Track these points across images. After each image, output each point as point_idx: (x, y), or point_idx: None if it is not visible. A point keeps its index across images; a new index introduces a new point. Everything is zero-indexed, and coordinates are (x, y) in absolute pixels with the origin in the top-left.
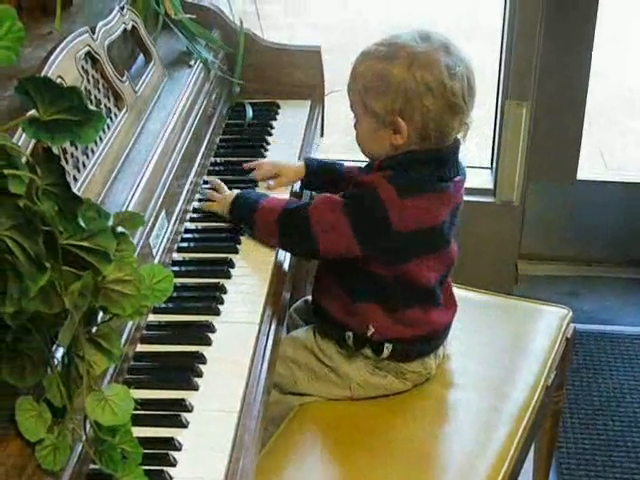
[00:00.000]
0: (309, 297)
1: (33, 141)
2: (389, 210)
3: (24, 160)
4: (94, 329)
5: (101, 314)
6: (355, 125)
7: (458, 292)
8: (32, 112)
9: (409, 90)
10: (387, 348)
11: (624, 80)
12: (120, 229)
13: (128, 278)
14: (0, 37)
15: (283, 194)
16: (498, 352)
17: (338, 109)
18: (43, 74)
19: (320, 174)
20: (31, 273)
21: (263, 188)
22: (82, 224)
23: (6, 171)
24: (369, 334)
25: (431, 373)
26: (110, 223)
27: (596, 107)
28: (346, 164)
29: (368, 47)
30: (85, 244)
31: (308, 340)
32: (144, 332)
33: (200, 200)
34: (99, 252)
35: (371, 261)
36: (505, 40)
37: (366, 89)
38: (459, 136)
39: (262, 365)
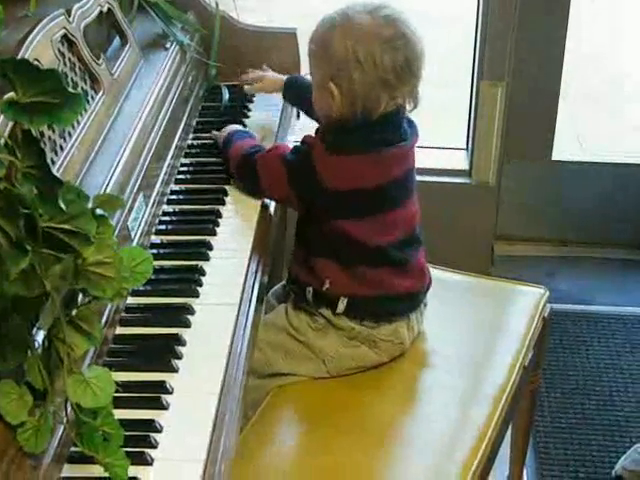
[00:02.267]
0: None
1: (10, 123)
2: (317, 165)
3: (2, 142)
4: (74, 312)
5: (80, 297)
6: None
7: (436, 273)
8: (10, 94)
9: (341, 60)
10: (342, 302)
11: (604, 62)
12: (99, 211)
13: (108, 260)
14: None
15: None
16: (476, 332)
17: None
18: (19, 57)
19: (296, 92)
20: (12, 256)
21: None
22: (62, 206)
23: None
24: (324, 288)
25: (405, 344)
26: (90, 205)
27: (573, 88)
28: None
29: (329, 12)
30: (65, 227)
31: (279, 319)
32: (123, 315)
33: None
34: (79, 235)
35: (316, 216)
36: (480, 20)
37: (312, 52)
38: (407, 105)
39: (242, 345)
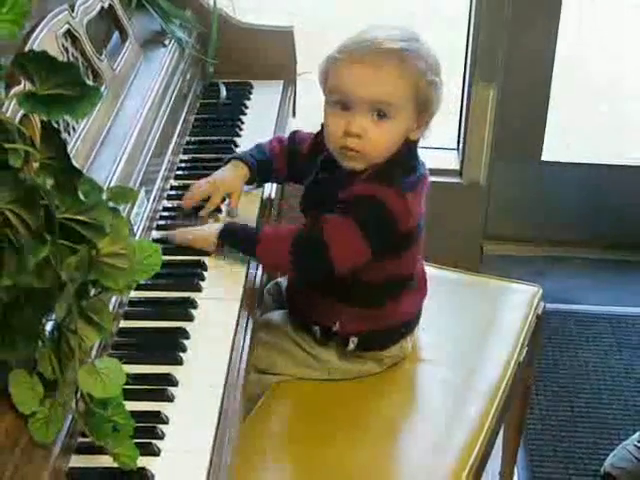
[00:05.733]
0: (279, 279)
1: (20, 114)
2: (395, 213)
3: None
4: (84, 303)
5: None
6: (368, 126)
7: (431, 270)
8: (20, 86)
9: (441, 80)
10: (352, 341)
11: (596, 66)
12: (111, 204)
13: (122, 252)
14: (6, 10)
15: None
16: (471, 329)
17: (308, 89)
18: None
19: (261, 171)
20: (31, 246)
21: (225, 213)
22: (82, 198)
23: (7, 145)
24: (334, 330)
25: (406, 354)
26: (103, 197)
27: (563, 89)
28: (266, 147)
29: (398, 43)
30: (81, 218)
31: (285, 325)
32: (127, 308)
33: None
34: (95, 226)
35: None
36: (473, 21)
37: (423, 86)
38: None
39: (245, 338)
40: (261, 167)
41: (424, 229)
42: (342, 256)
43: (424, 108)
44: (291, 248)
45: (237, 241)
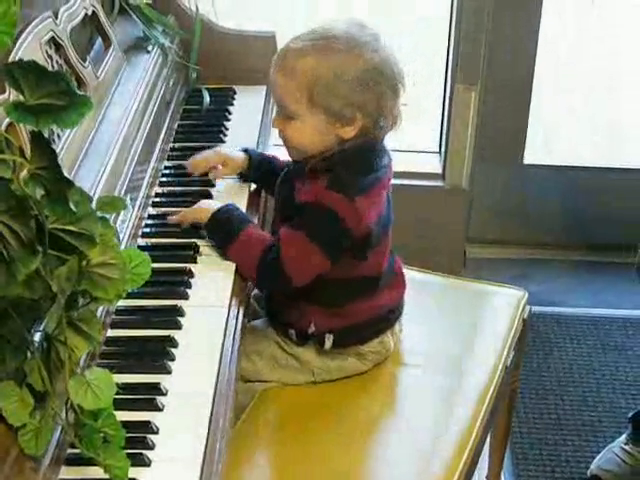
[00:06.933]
0: None
1: (5, 123)
2: (346, 220)
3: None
4: (74, 313)
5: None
6: (282, 124)
7: (415, 275)
8: (5, 95)
9: (367, 79)
10: (328, 339)
11: (577, 68)
12: (99, 213)
13: (112, 262)
14: None
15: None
16: (458, 333)
17: None
18: (11, 59)
19: (260, 168)
20: (22, 257)
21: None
22: (73, 208)
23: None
24: (310, 331)
25: (389, 351)
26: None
27: (544, 91)
28: (280, 159)
29: (300, 43)
30: (71, 228)
31: (268, 330)
32: (114, 317)
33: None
34: (85, 236)
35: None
36: (454, 24)
37: (319, 86)
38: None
39: (233, 346)
40: (262, 162)
41: (390, 230)
42: (299, 271)
43: (334, 108)
44: (258, 265)
45: (220, 228)
